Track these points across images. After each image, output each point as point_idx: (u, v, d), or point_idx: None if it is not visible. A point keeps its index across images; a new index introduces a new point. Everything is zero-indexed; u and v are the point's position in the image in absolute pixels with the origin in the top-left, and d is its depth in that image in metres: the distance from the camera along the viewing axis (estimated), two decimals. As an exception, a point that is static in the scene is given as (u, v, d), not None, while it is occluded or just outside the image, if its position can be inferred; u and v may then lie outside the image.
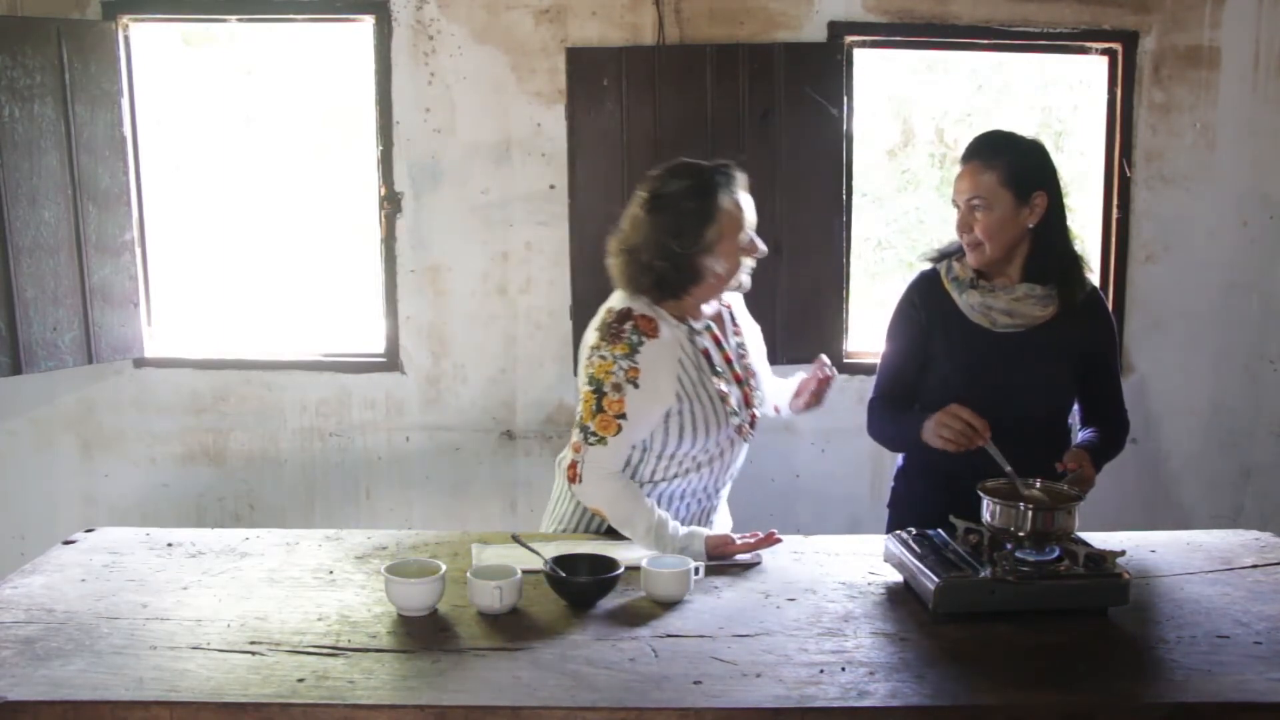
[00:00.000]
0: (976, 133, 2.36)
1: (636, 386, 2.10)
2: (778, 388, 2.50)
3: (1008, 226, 2.24)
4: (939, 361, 2.35)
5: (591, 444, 2.11)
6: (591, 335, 2.18)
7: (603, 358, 2.12)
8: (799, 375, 2.45)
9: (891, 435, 2.43)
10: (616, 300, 2.20)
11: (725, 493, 2.39)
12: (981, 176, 2.24)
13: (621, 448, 2.12)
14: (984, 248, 2.26)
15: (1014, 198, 2.23)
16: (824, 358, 2.41)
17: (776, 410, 2.51)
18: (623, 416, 2.10)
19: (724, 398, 2.21)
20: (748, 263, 2.22)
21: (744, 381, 2.30)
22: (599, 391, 2.11)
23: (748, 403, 2.29)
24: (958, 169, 2.31)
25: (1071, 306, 2.29)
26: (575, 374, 2.29)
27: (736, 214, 2.17)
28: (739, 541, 2.12)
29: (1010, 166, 2.23)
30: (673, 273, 2.15)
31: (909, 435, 2.26)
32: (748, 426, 2.28)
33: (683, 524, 2.19)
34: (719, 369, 2.24)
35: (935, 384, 2.33)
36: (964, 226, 2.27)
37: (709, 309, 2.27)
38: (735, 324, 2.38)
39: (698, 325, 2.23)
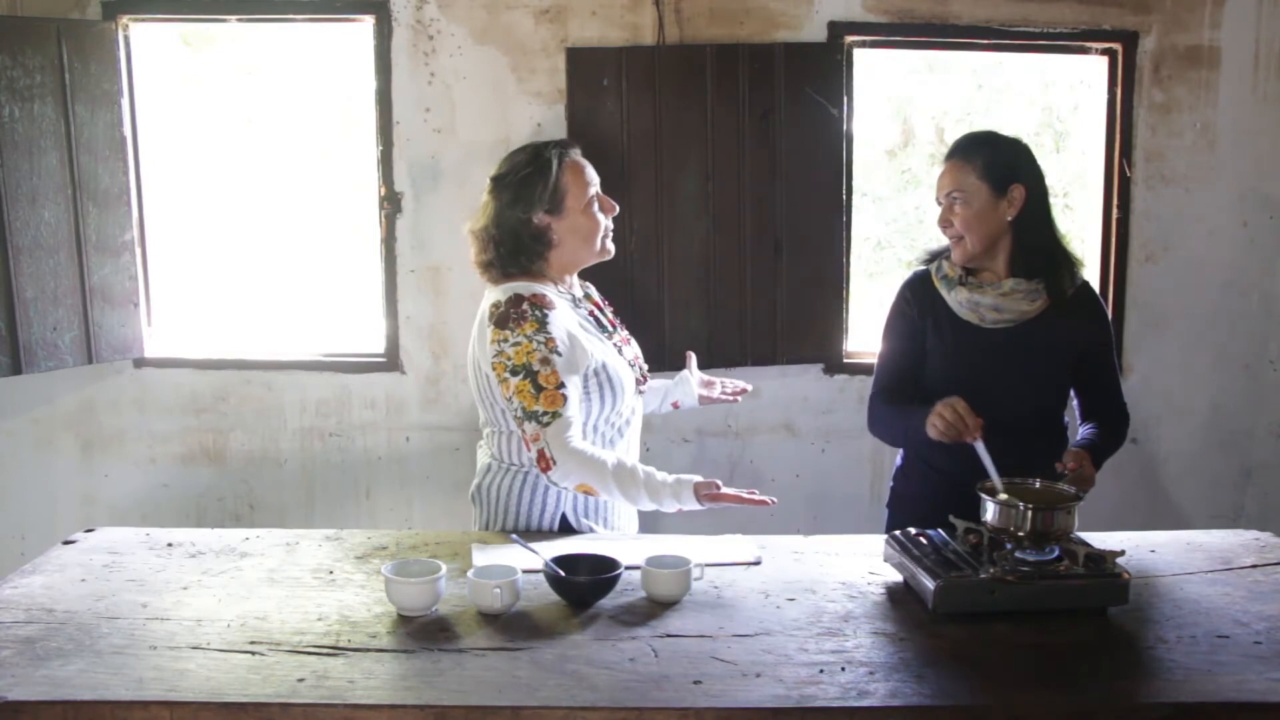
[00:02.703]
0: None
1: (560, 355, 2.14)
2: (666, 386, 2.59)
3: (986, 219, 2.29)
4: (933, 359, 2.36)
5: (547, 424, 2.12)
6: (488, 333, 2.18)
7: (517, 344, 2.13)
8: (683, 374, 2.58)
9: (892, 429, 2.43)
10: (497, 294, 2.23)
11: (636, 454, 2.43)
12: (959, 172, 2.30)
13: (574, 416, 2.15)
14: (965, 241, 2.30)
15: (991, 190, 2.28)
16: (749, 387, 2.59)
17: (676, 406, 2.59)
18: (561, 386, 2.13)
19: (619, 349, 2.30)
20: (606, 223, 2.30)
21: (630, 343, 2.40)
22: (530, 373, 2.12)
23: (637, 360, 2.38)
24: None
25: (1061, 301, 2.31)
26: (477, 382, 2.29)
27: (576, 173, 2.27)
28: (730, 492, 2.13)
29: (987, 161, 2.29)
30: (522, 241, 2.23)
31: (912, 429, 2.26)
32: (641, 380, 2.36)
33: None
34: (608, 328, 2.34)
35: (931, 381, 2.35)
36: (944, 221, 2.33)
37: (577, 283, 2.37)
38: (606, 303, 2.48)
39: (577, 294, 2.34)
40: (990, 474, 2.02)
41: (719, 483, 2.15)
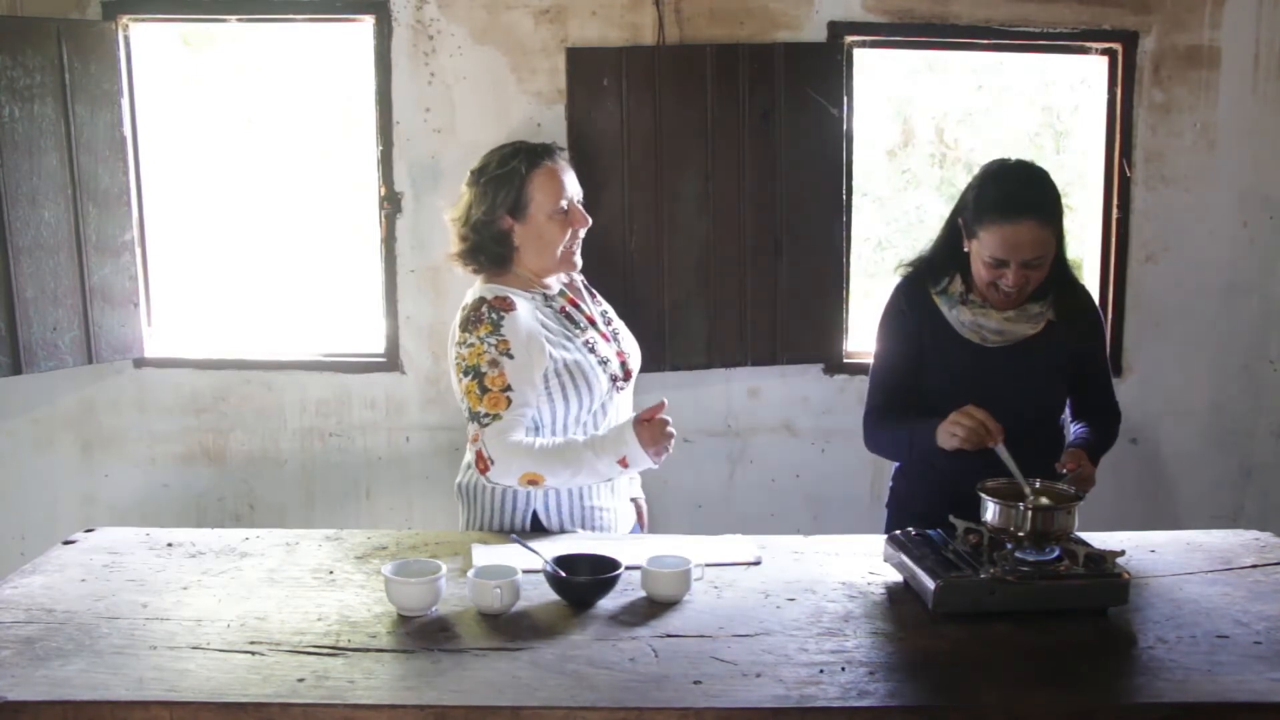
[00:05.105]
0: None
1: (511, 357, 2.15)
2: None
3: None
4: (929, 370, 2.32)
5: (487, 424, 2.13)
6: (454, 334, 2.23)
7: (471, 345, 2.16)
8: None
9: (895, 447, 2.39)
10: (468, 296, 2.27)
11: None
12: (1043, 235, 2.14)
13: (517, 419, 2.15)
14: (1028, 290, 2.21)
15: (1056, 243, 2.19)
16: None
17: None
18: (508, 389, 2.14)
19: (591, 347, 2.27)
20: (571, 235, 2.29)
21: (612, 340, 2.37)
22: (478, 375, 2.14)
23: (620, 357, 2.35)
24: (997, 224, 2.14)
25: (1064, 316, 2.28)
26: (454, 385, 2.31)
27: (550, 179, 2.26)
28: (649, 418, 2.15)
29: (1057, 214, 2.17)
30: (487, 241, 2.26)
31: (918, 443, 2.23)
32: (621, 377, 2.33)
33: (591, 493, 2.28)
34: (581, 324, 2.31)
35: (927, 392, 2.32)
36: (1020, 283, 2.16)
37: (555, 281, 2.35)
38: (594, 296, 2.46)
39: (550, 293, 2.32)
40: (1015, 476, 2.01)
41: (648, 416, 2.14)
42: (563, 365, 2.20)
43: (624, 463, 2.14)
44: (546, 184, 2.26)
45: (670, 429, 2.17)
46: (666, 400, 2.19)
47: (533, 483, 2.16)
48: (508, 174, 2.25)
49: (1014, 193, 2.16)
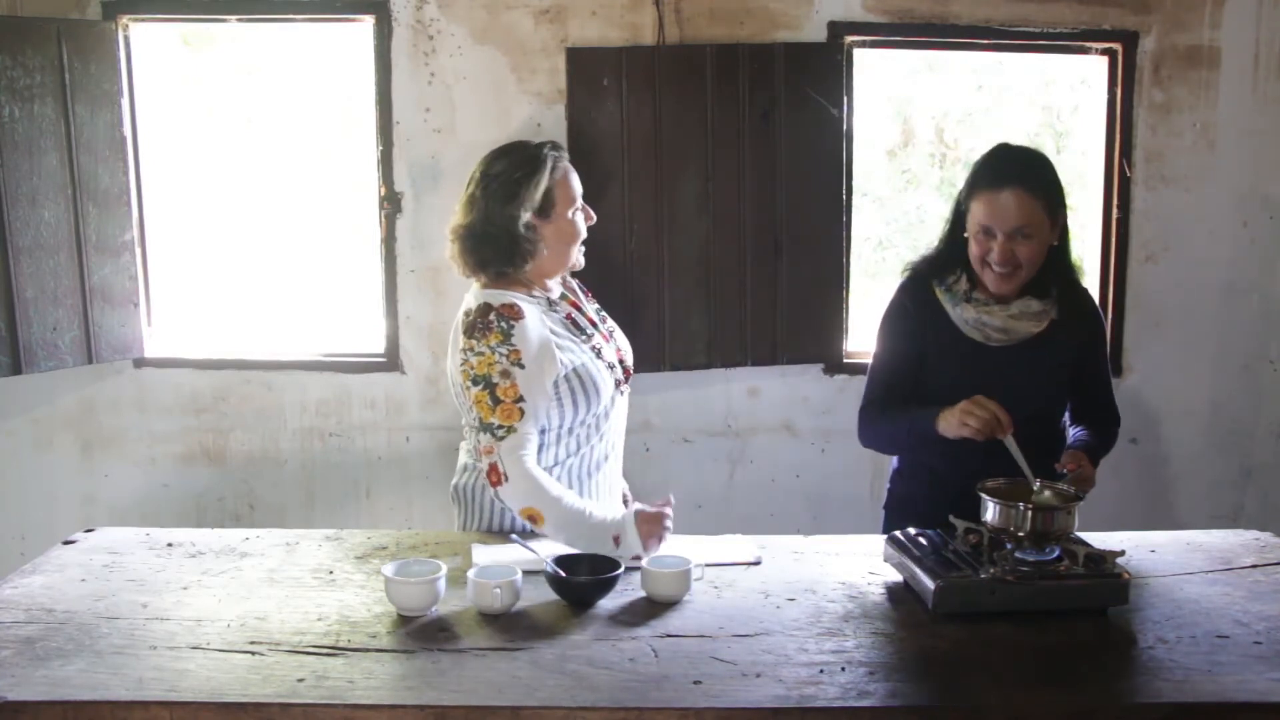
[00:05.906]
0: (987, 145, 2.26)
1: (522, 367, 2.13)
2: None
3: (1044, 251, 2.21)
4: (932, 369, 2.31)
5: (502, 438, 2.11)
6: (459, 340, 2.20)
7: (480, 354, 2.13)
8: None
9: (893, 435, 2.38)
10: (470, 300, 2.24)
11: (619, 453, 2.40)
12: (1029, 204, 2.15)
13: (530, 431, 2.14)
14: (1021, 273, 2.20)
15: (1049, 222, 2.19)
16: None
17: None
18: (520, 399, 2.12)
19: (599, 352, 2.27)
20: (583, 232, 2.31)
21: (610, 339, 2.37)
22: (489, 385, 2.12)
23: (620, 358, 2.35)
24: (985, 193, 2.18)
25: (1067, 315, 2.28)
26: (452, 387, 2.29)
27: (566, 180, 2.27)
28: (655, 514, 2.12)
29: (1048, 191, 2.18)
30: (514, 241, 2.22)
31: (918, 429, 2.22)
32: (623, 379, 2.34)
33: (585, 494, 2.25)
34: (586, 329, 2.30)
35: (928, 390, 2.31)
36: (1006, 257, 2.17)
37: (555, 284, 2.34)
38: (587, 294, 2.46)
39: (553, 296, 2.31)
40: (1022, 469, 2.02)
41: (668, 510, 2.12)
42: (572, 371, 2.19)
43: (616, 540, 2.10)
44: (567, 181, 2.27)
45: (668, 524, 2.14)
46: (673, 498, 2.18)
47: (531, 518, 2.13)
48: (533, 172, 2.23)
49: (1003, 162, 2.23)
